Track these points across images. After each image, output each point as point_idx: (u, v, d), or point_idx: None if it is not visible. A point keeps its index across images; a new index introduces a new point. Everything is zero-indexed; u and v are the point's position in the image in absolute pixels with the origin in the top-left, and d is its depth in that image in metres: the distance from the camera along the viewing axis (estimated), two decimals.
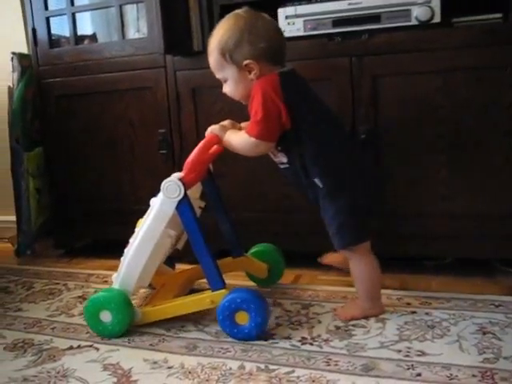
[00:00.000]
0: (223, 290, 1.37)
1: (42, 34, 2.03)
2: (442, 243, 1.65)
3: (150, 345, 1.36)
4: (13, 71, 2.09)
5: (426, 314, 1.42)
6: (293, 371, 1.20)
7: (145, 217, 1.41)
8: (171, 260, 1.66)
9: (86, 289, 1.77)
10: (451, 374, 1.14)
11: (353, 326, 1.39)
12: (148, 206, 1.41)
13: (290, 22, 1.71)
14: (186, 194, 1.35)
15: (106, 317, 1.41)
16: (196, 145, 1.43)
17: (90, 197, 2.05)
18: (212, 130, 1.43)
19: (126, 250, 1.43)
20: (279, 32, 1.39)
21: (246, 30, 1.31)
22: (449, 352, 1.23)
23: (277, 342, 1.33)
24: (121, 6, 1.89)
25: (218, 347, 1.32)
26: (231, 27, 1.33)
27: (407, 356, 1.23)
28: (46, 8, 2.02)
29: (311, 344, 1.31)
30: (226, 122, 1.47)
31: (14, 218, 2.20)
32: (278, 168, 1.45)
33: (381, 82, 1.61)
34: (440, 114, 1.58)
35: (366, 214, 1.41)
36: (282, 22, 1.71)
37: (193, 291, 1.55)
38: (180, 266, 1.74)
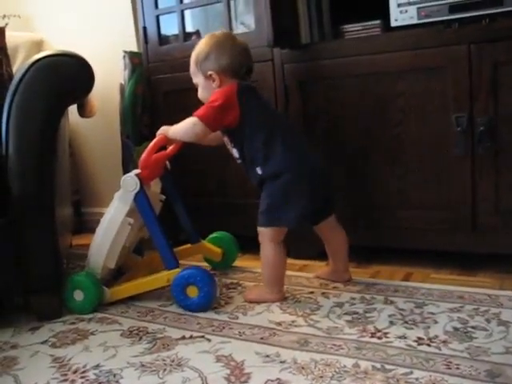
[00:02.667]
0: (177, 269, 1.58)
1: (151, 31, 2.09)
2: None
3: (261, 338, 1.36)
4: (124, 69, 2.16)
5: None
6: (411, 372, 1.15)
7: (108, 208, 1.64)
8: (140, 248, 1.85)
9: None
10: None
11: (472, 328, 1.31)
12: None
13: (403, 10, 1.64)
14: (142, 187, 1.58)
15: (78, 295, 1.61)
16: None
17: (196, 190, 2.09)
18: (160, 130, 1.63)
19: (93, 238, 1.65)
20: (245, 53, 1.60)
21: (215, 47, 1.57)
22: None
23: (391, 342, 1.28)
24: (229, 1, 1.90)
25: (330, 344, 1.30)
26: (205, 44, 1.59)
27: None
28: (156, 7, 2.08)
29: (428, 345, 1.25)
30: None
31: None
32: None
33: (503, 70, 1.51)
34: None
35: (299, 205, 1.51)
36: (393, 11, 1.65)
37: None
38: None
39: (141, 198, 1.59)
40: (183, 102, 2.02)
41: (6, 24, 2.38)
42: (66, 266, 1.90)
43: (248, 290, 1.67)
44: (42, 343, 1.45)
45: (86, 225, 2.59)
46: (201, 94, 1.62)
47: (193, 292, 1.54)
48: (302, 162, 1.53)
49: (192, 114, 1.55)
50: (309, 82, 1.77)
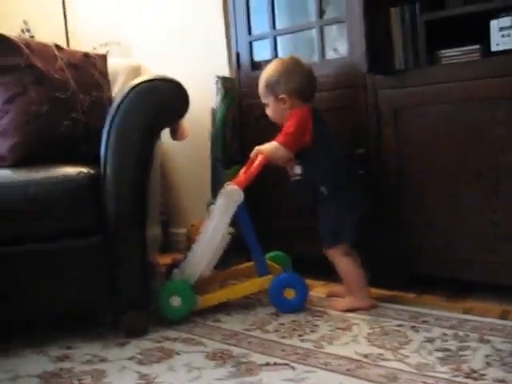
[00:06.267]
0: (269, 276, 1.75)
1: (244, 57, 2.15)
2: None
3: (348, 370, 1.32)
4: (216, 94, 2.22)
5: None
6: None
7: (210, 218, 1.73)
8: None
9: None
10: None
11: None
12: None
13: (505, 34, 1.58)
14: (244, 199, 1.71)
15: (176, 301, 1.69)
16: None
17: (282, 212, 2.10)
18: (255, 151, 1.75)
19: (193, 246, 1.74)
20: (311, 77, 1.78)
21: (285, 72, 1.75)
22: None
23: None
24: (322, 28, 1.91)
25: (420, 381, 1.24)
26: (276, 68, 1.77)
27: None
28: (250, 33, 2.13)
29: None
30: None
31: None
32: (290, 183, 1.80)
33: None
34: None
35: (356, 222, 1.70)
36: (494, 35, 1.60)
37: None
38: None
39: (243, 209, 1.73)
40: (274, 125, 2.03)
41: (107, 51, 2.52)
42: (154, 284, 1.94)
43: (336, 301, 1.77)
44: (129, 359, 1.48)
45: (172, 244, 2.65)
46: (272, 113, 1.81)
47: (290, 294, 1.71)
48: (354, 186, 1.74)
49: (273, 139, 1.72)
50: (402, 109, 1.75)
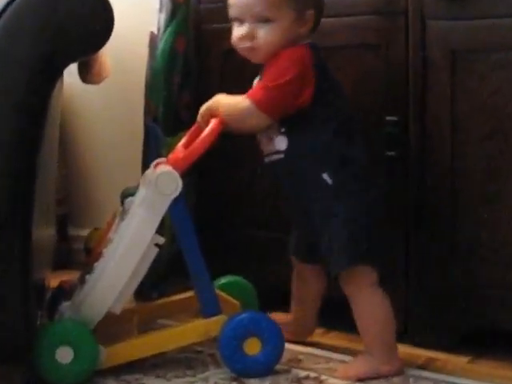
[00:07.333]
0: (221, 316, 1.71)
1: None
2: None
3: None
4: (159, 10, 2.19)
5: None
6: None
7: (126, 220, 1.71)
8: None
9: None
10: None
11: None
12: None
13: None
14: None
15: (66, 355, 1.63)
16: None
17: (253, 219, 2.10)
18: (213, 109, 1.71)
19: (96, 265, 1.71)
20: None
21: None
22: None
23: None
24: None
25: None
26: None
27: None
28: None
29: None
30: None
31: None
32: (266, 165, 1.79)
33: None
34: None
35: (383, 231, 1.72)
36: None
37: None
38: None
39: (181, 206, 1.70)
40: (256, 67, 2.01)
41: None
42: (40, 320, 1.91)
43: (344, 365, 1.75)
44: None
45: (74, 256, 2.62)
46: (272, 39, 1.66)
47: (253, 347, 1.67)
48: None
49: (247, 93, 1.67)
50: (466, 54, 1.75)
